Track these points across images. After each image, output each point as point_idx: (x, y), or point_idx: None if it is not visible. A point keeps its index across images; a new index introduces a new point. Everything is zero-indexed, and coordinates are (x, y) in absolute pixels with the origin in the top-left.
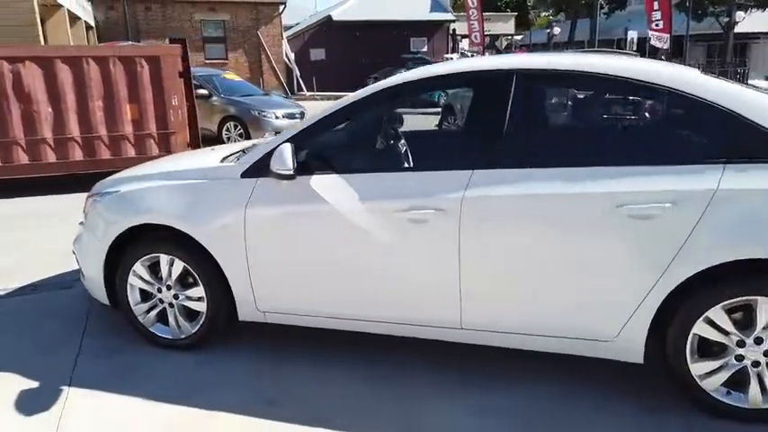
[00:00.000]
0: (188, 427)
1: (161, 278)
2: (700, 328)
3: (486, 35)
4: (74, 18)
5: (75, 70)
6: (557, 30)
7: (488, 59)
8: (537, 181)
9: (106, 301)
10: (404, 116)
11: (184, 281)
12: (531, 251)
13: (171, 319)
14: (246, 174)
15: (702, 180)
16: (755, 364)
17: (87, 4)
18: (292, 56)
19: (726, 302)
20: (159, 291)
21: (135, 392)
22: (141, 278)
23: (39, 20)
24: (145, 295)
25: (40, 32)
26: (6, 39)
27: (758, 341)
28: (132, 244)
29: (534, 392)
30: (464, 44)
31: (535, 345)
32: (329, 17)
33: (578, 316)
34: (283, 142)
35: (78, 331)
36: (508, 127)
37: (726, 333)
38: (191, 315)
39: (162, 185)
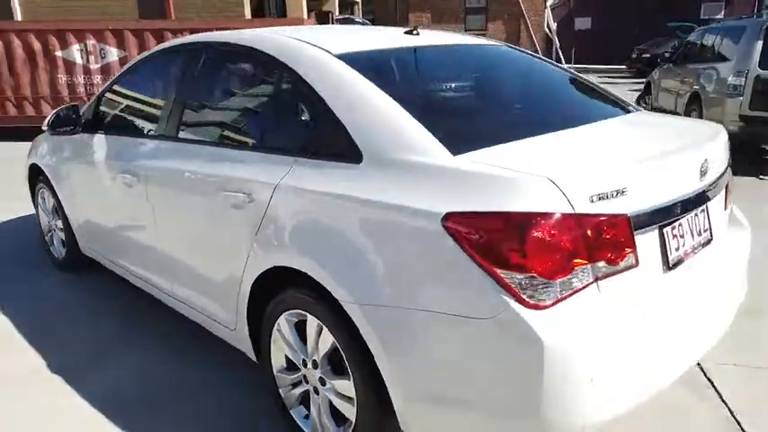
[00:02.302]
0: None
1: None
2: (275, 337)
3: None
4: None
5: None
6: None
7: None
8: (187, 157)
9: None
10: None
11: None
12: (178, 224)
13: (55, 243)
14: None
15: (271, 173)
16: (315, 390)
17: None
18: (554, 26)
19: (286, 313)
20: (52, 219)
21: None
22: (41, 206)
23: None
24: (47, 221)
25: (247, 6)
26: (220, 13)
27: (315, 365)
28: (37, 178)
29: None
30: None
31: (198, 319)
32: None
33: (214, 298)
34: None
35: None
36: (189, 100)
37: (293, 348)
38: (62, 242)
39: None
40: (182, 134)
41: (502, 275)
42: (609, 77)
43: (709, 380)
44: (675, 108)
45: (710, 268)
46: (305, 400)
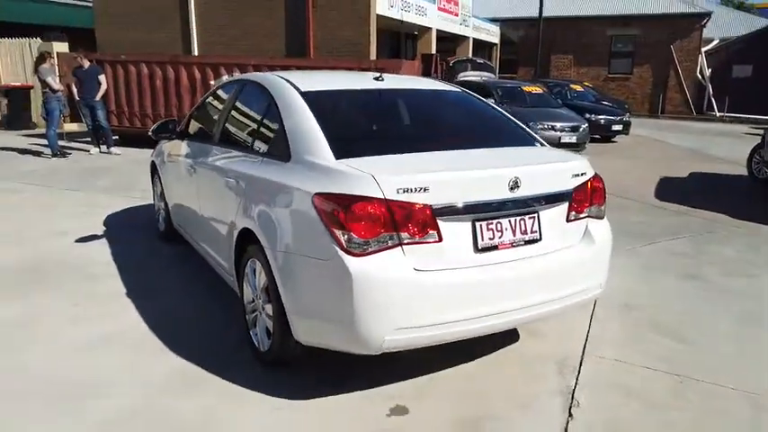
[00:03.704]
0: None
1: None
2: (245, 279)
3: None
4: (454, 38)
5: None
6: None
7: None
8: (216, 155)
9: None
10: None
11: None
12: (208, 202)
13: (160, 220)
14: None
15: (248, 167)
16: (259, 314)
17: (491, 25)
18: (707, 72)
19: (249, 261)
20: (159, 201)
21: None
22: (155, 192)
23: (373, 38)
24: (157, 203)
25: (373, 48)
26: (345, 52)
27: (259, 297)
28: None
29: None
30: None
31: (215, 267)
32: None
33: (223, 256)
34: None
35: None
36: (226, 116)
37: (251, 286)
38: (164, 219)
39: None
40: (218, 140)
41: (336, 233)
42: (761, 128)
43: (580, 365)
44: None
45: (532, 261)
46: (256, 323)
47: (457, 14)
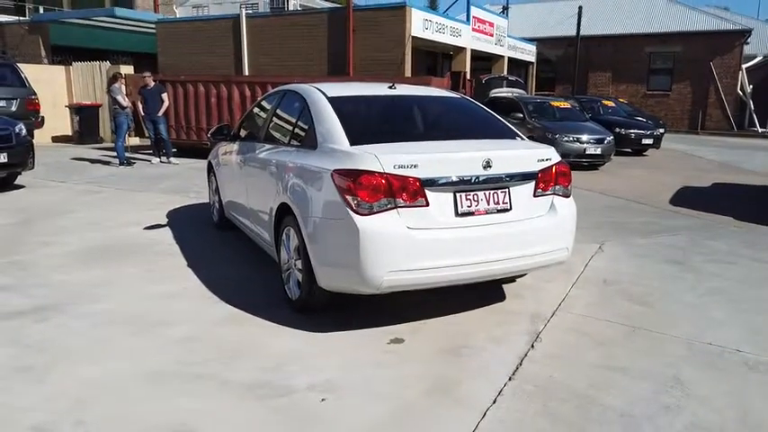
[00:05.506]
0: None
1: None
2: (282, 244)
3: None
4: (489, 56)
5: None
6: None
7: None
8: (261, 150)
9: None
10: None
11: None
12: (255, 187)
13: (215, 212)
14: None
15: (286, 156)
16: (291, 270)
17: (527, 44)
18: (749, 88)
19: (286, 229)
20: (214, 196)
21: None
22: (211, 188)
23: (408, 57)
24: (211, 197)
25: (408, 67)
26: (382, 70)
27: (292, 256)
28: (210, 170)
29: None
30: None
31: (259, 241)
32: None
33: (266, 229)
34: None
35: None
36: (270, 119)
37: (287, 248)
38: (218, 210)
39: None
40: (263, 138)
41: (348, 198)
42: None
43: (550, 317)
44: None
45: (502, 225)
46: (290, 278)
47: (492, 35)
